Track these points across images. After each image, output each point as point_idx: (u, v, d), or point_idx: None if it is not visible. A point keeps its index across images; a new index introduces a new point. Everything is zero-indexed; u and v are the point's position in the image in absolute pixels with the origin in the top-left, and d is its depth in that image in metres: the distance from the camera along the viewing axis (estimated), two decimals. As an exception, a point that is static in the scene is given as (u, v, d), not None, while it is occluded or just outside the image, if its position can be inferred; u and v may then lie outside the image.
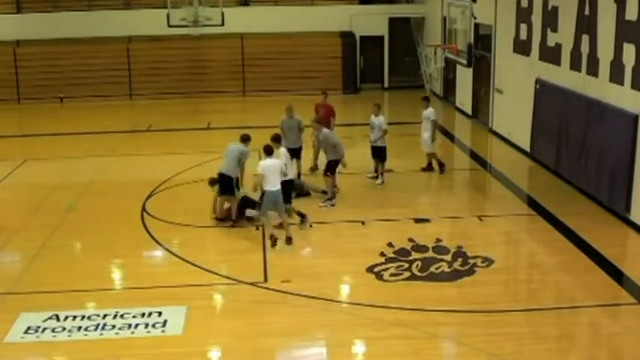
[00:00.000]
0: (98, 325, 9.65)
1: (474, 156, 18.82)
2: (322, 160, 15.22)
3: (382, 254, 11.87)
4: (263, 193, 12.35)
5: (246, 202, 13.29)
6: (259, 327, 9.62)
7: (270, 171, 12.21)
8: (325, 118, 15.99)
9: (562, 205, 14.10)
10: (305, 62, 26.89)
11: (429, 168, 16.60)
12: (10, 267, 12.06)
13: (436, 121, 16.28)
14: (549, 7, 16.22)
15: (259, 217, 12.70)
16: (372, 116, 15.71)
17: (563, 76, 15.57)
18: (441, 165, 16.61)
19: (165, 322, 9.68)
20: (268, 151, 12.43)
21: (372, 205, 14.48)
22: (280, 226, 12.57)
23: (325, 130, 14.62)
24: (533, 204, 14.56)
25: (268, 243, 12.27)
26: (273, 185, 12.20)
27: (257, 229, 13.13)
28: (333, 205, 14.24)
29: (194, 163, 17.46)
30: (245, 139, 13.51)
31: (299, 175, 15.38)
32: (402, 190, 15.39)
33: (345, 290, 11.04)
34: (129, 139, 20.86)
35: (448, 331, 9.54)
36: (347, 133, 18.66)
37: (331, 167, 14.45)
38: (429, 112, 16.14)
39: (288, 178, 12.83)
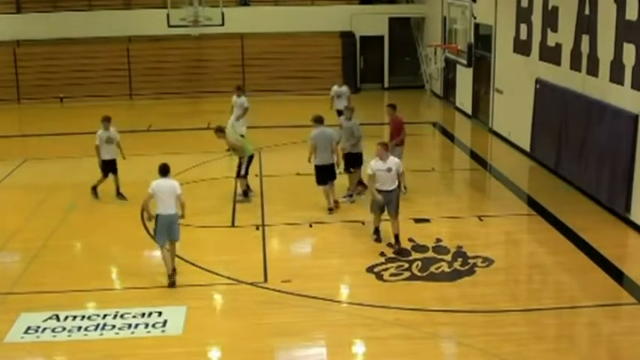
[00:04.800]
0: (98, 325, 9.65)
1: (474, 156, 18.81)
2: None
3: (382, 254, 11.87)
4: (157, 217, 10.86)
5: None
6: (259, 327, 9.62)
7: (163, 192, 10.90)
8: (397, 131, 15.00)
9: (562, 205, 14.10)
10: (305, 62, 26.88)
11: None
12: (10, 267, 12.06)
13: (247, 108, 18.18)
14: (549, 7, 16.21)
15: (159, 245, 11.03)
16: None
17: (563, 76, 15.56)
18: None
19: (165, 322, 9.69)
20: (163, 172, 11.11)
21: (372, 205, 14.46)
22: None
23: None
24: (533, 204, 14.55)
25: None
26: (166, 209, 10.80)
27: (257, 229, 13.13)
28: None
29: (194, 163, 17.48)
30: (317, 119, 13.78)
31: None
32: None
33: (345, 290, 11.04)
34: (129, 139, 20.77)
35: (448, 331, 9.54)
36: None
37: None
38: (241, 100, 18.32)
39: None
